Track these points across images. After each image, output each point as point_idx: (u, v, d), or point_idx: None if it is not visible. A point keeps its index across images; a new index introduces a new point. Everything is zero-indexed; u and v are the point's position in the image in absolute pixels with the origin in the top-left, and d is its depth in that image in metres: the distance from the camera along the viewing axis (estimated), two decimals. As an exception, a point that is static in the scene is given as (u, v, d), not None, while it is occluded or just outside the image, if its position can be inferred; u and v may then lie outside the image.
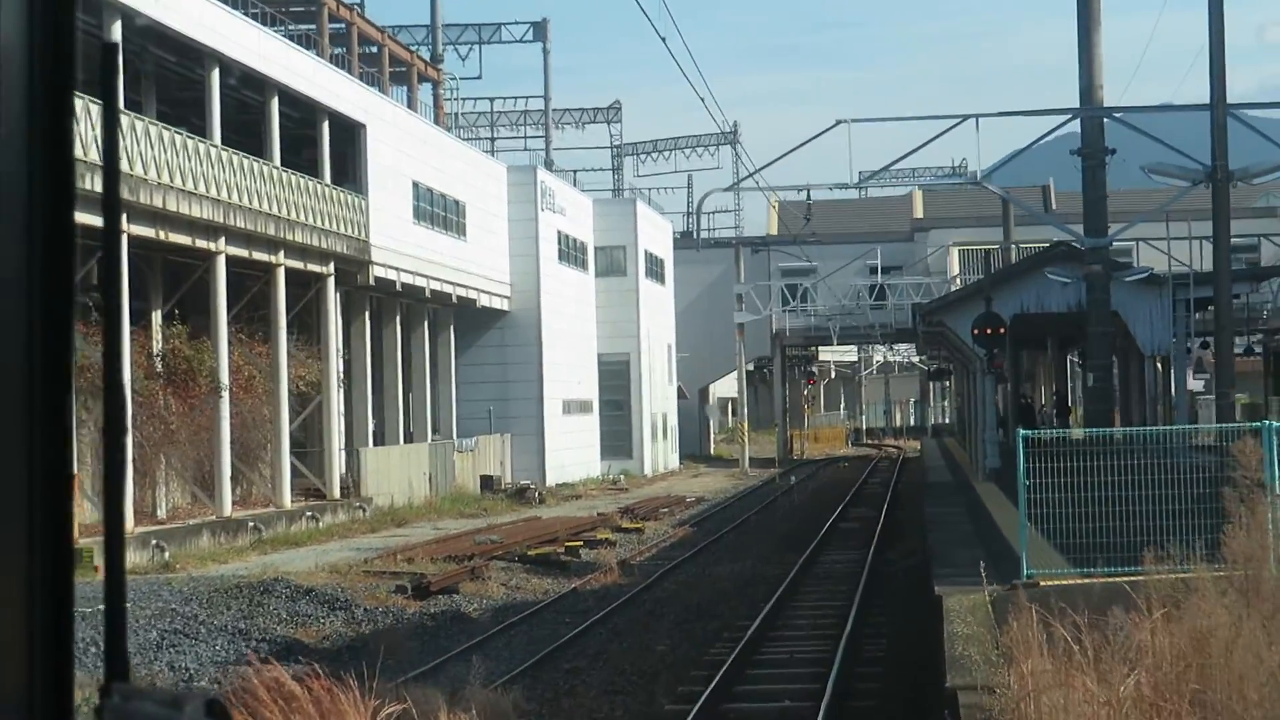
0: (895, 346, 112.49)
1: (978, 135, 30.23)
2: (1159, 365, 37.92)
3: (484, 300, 62.10)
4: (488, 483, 59.26)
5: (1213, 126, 27.62)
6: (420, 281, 54.49)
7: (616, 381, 76.19)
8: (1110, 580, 16.29)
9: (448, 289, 57.77)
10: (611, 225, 76.51)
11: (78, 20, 2.17)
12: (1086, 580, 16.71)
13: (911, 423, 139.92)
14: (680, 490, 64.15)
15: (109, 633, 2.16)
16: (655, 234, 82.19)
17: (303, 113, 46.89)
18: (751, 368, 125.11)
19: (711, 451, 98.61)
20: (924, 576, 25.46)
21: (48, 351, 2.08)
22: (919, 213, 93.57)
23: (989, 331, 33.49)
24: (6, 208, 2.05)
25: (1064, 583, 16.64)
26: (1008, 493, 31.70)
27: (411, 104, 64.30)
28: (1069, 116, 31.02)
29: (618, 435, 75.90)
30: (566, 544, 37.35)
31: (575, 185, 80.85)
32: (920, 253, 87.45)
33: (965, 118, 30.31)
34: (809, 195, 33.69)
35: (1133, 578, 15.53)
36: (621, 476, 70.80)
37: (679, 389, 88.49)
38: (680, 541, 40.85)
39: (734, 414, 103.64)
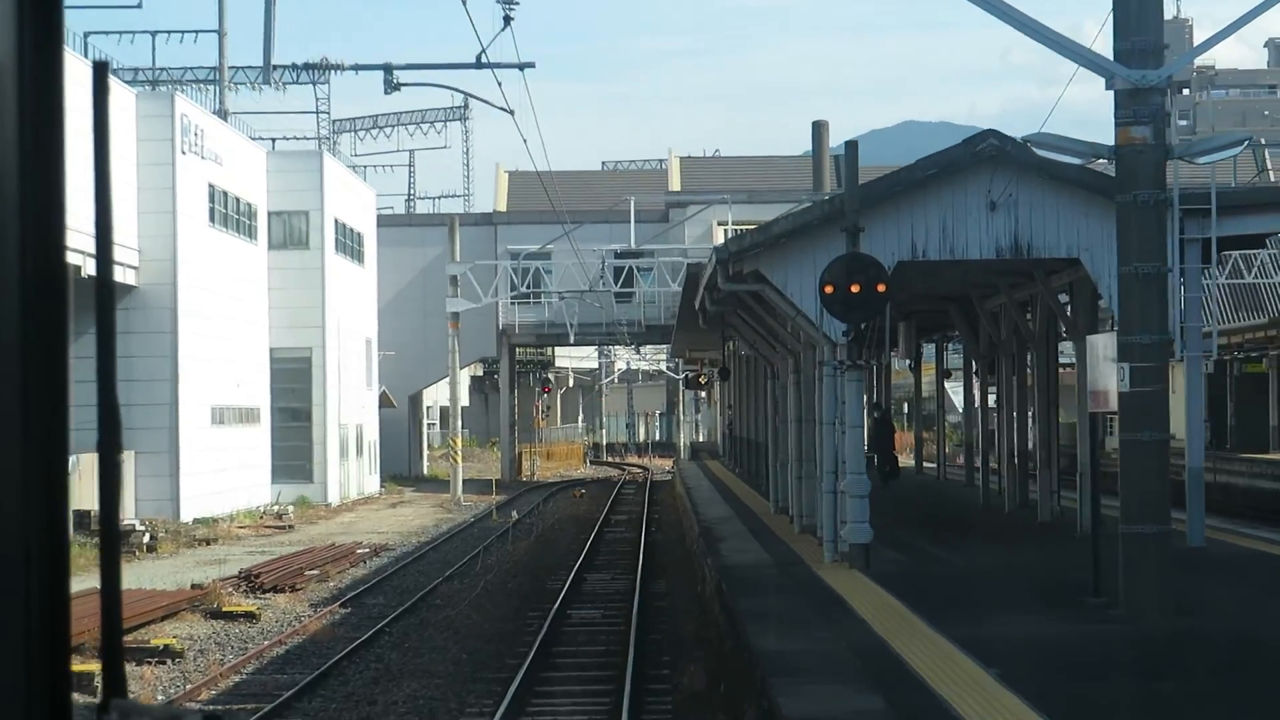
0: (642, 350, 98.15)
1: None
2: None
3: (92, 268, 44.97)
4: (82, 521, 42.05)
5: None
6: (-27, 232, 37.41)
7: (295, 384, 59.40)
8: None
9: (25, 247, 40.67)
10: (291, 185, 59.62)
11: (64, 36, 2.08)
12: None
13: (657, 438, 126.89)
14: (362, 530, 47.64)
15: (106, 650, 2.09)
16: (351, 200, 65.38)
17: None
18: (480, 371, 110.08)
19: (425, 471, 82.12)
20: None
21: (44, 368, 2.02)
22: (676, 185, 78.30)
23: (854, 289, 17.85)
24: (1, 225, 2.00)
25: None
26: (926, 615, 15.89)
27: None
28: None
29: (296, 452, 59.10)
30: (79, 667, 20.74)
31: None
32: (677, 235, 72.37)
33: None
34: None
35: None
36: (291, 508, 53.94)
37: (383, 395, 71.90)
38: (302, 647, 24.21)
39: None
